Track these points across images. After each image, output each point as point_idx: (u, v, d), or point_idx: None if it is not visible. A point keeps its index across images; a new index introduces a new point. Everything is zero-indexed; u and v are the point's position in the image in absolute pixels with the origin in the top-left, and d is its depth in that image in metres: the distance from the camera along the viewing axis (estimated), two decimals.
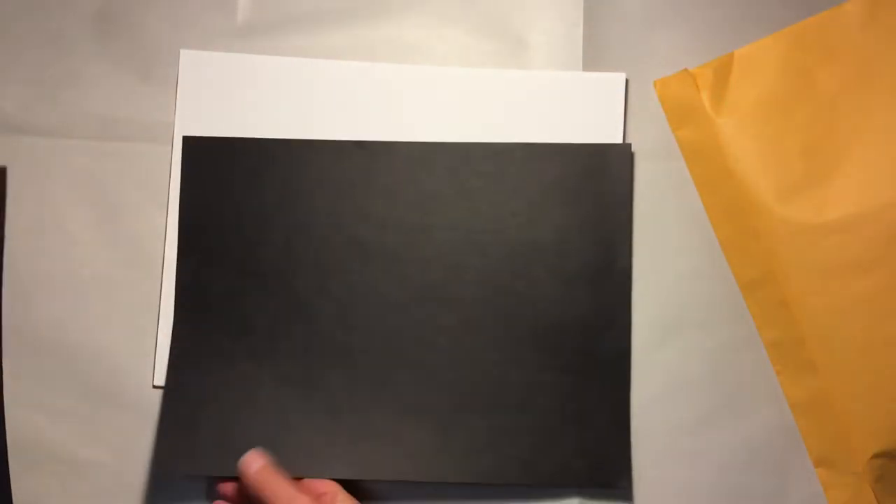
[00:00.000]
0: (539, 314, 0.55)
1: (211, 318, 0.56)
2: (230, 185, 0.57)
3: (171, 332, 0.56)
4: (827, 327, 0.53)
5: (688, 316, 0.56)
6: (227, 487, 0.53)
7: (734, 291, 0.56)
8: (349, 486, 0.53)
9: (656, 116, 0.57)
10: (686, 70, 0.57)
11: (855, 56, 0.55)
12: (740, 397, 0.55)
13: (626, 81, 0.57)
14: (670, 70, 0.57)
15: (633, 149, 0.56)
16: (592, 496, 0.54)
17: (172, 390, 0.55)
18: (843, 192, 0.54)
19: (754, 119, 0.55)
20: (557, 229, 0.56)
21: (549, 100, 0.57)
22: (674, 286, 0.56)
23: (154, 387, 0.56)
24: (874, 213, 0.53)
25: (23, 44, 0.58)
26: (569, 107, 0.57)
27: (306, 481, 0.53)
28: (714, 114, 0.56)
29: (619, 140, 0.56)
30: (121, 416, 0.56)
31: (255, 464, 0.51)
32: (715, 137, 0.56)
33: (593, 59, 0.58)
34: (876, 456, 0.53)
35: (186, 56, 0.58)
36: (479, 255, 0.56)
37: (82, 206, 0.57)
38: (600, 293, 0.55)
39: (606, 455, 0.54)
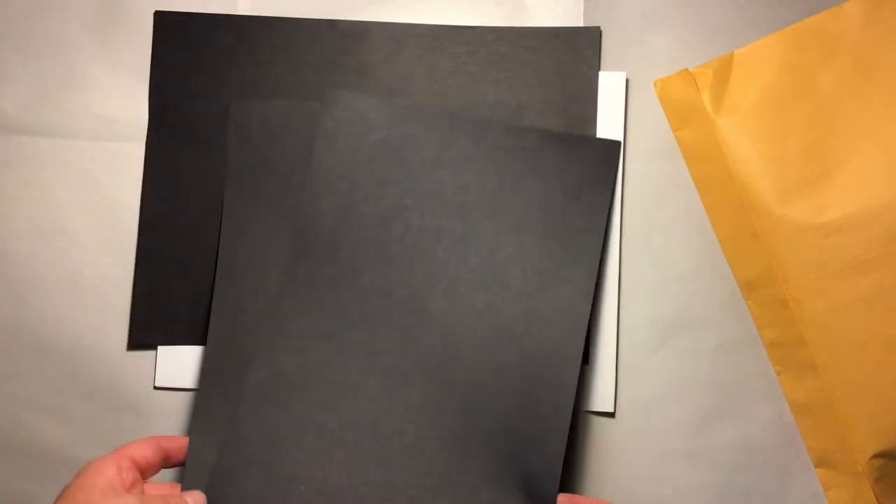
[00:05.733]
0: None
1: (180, 191, 0.56)
2: (202, 61, 0.57)
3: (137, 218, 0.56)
4: (827, 327, 0.53)
5: (688, 316, 0.56)
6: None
7: (734, 291, 0.56)
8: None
9: (656, 116, 0.57)
10: (686, 70, 0.57)
11: (855, 56, 0.55)
12: (740, 397, 0.55)
13: (627, 81, 0.57)
14: (670, 70, 0.57)
15: (630, 144, 0.57)
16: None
17: (144, 263, 0.56)
18: (843, 192, 0.54)
19: (754, 119, 0.55)
20: (526, 111, 0.56)
21: None
22: (674, 286, 0.56)
23: (154, 387, 0.56)
24: (874, 213, 0.53)
25: (23, 44, 0.58)
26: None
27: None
28: (714, 114, 0.56)
29: (620, 138, 0.56)
30: (121, 417, 0.56)
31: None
32: (715, 137, 0.56)
33: None
34: (876, 456, 0.53)
35: None
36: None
37: (82, 206, 0.57)
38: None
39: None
